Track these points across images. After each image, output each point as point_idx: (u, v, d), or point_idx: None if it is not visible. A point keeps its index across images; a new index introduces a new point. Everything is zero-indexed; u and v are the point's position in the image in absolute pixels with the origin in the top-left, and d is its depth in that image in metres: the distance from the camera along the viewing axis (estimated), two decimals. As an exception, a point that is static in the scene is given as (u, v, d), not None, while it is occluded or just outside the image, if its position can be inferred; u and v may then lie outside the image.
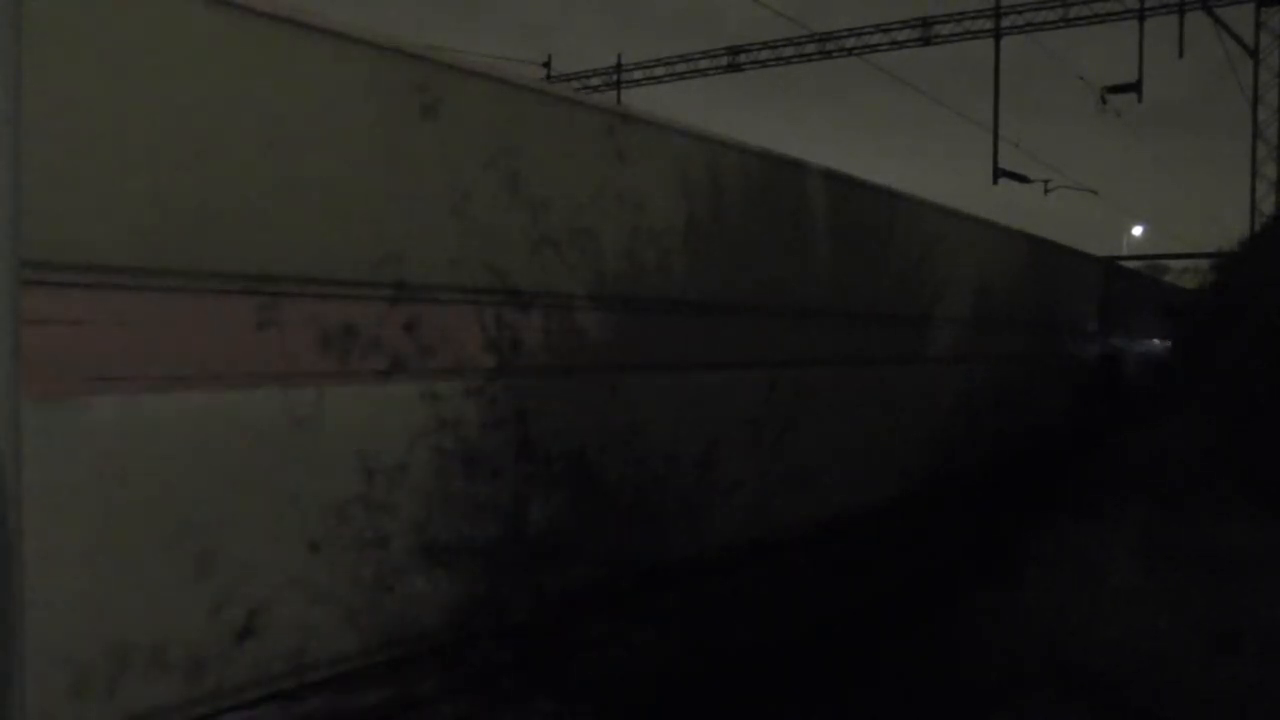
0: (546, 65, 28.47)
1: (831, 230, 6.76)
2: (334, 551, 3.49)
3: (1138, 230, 46.38)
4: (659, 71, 27.66)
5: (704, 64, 26.74)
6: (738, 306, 5.80)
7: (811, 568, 6.48)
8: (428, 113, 3.82)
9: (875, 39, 24.49)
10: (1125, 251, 37.72)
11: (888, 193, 7.62)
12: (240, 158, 3.21)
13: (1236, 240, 16.25)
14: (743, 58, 26.16)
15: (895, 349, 7.80)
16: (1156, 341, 17.27)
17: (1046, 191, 23.56)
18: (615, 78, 28.00)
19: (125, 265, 2.91)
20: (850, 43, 24.80)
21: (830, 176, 6.77)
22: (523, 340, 4.26)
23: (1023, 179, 22.22)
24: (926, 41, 24.18)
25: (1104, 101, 21.61)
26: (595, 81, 28.31)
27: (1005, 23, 22.69)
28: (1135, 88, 20.74)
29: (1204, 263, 22.15)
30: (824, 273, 6.72)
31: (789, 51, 25.52)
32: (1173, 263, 35.50)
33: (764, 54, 25.85)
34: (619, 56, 28.10)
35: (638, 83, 27.86)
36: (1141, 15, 21.21)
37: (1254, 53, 22.48)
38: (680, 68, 27.20)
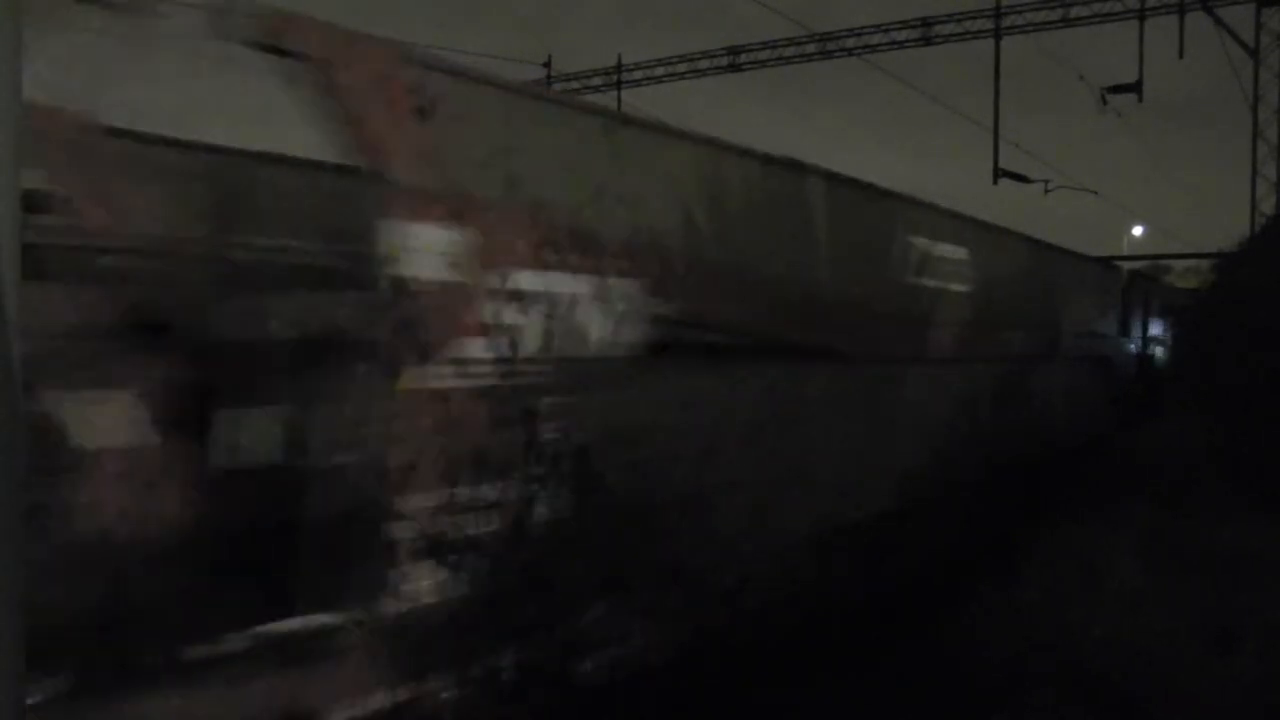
0: (546, 65, 28.47)
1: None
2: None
3: (1138, 230, 46.36)
4: (659, 71, 27.67)
5: (704, 64, 26.75)
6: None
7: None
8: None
9: (875, 39, 24.49)
10: (1125, 251, 37.73)
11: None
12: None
13: (1236, 240, 16.23)
14: (743, 57, 26.16)
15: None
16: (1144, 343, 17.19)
17: (1046, 191, 23.55)
18: (616, 78, 27.99)
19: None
20: (850, 42, 24.80)
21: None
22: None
23: (1023, 179, 22.22)
24: (927, 41, 24.18)
25: (1104, 101, 21.61)
26: (596, 81, 28.32)
27: (1005, 23, 22.69)
28: (1135, 88, 20.74)
29: (1204, 263, 22.15)
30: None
31: (789, 51, 25.51)
32: (1174, 263, 35.53)
33: (764, 54, 25.85)
34: (619, 57, 28.13)
35: (638, 83, 27.86)
36: (1141, 15, 21.21)
37: (1254, 53, 22.46)
38: (680, 68, 27.21)
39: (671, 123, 5.49)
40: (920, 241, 7.39)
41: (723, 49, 26.42)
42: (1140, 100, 20.88)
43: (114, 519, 2.82)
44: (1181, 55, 20.83)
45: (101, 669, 2.60)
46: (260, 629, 2.92)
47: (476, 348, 3.48)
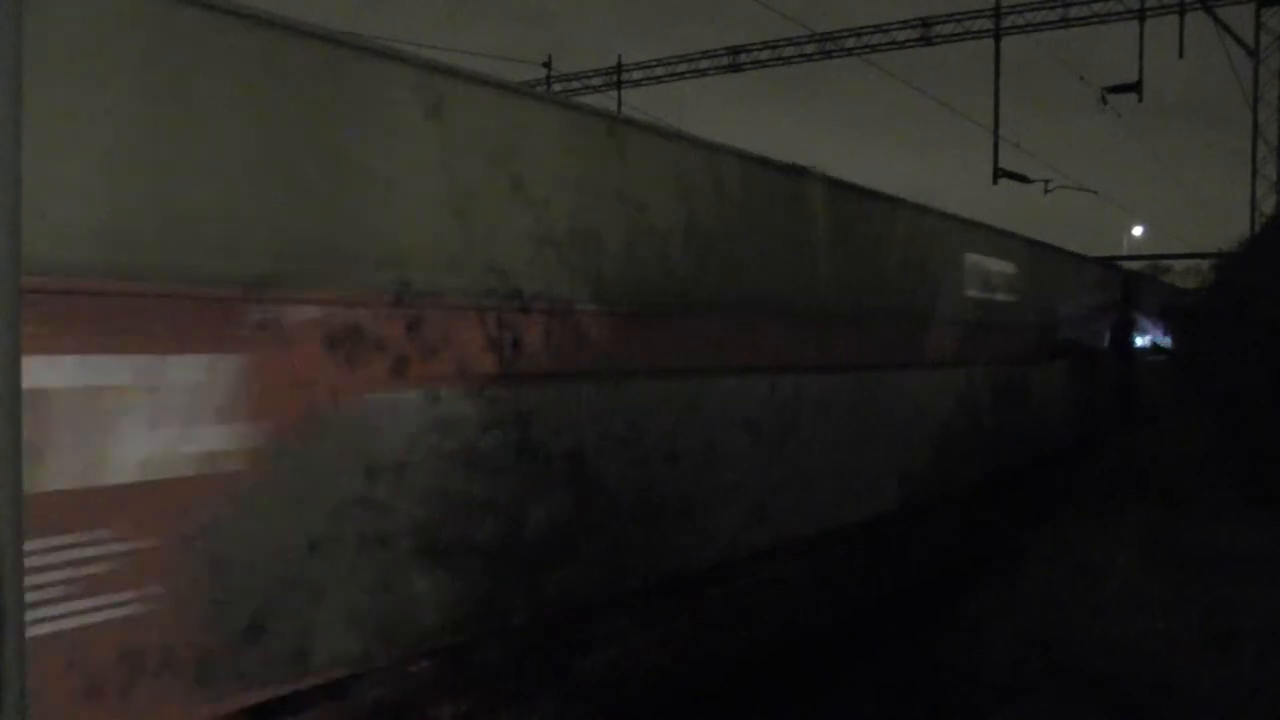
0: (547, 65, 28.45)
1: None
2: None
3: (1138, 230, 46.36)
4: (659, 71, 27.67)
5: (704, 64, 26.75)
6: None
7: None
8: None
9: (875, 39, 24.50)
10: (1125, 251, 37.71)
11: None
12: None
13: (1236, 240, 16.24)
14: (743, 57, 26.16)
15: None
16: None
17: (1046, 191, 23.53)
18: (616, 78, 27.99)
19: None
20: (850, 43, 24.80)
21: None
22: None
23: (1023, 179, 22.20)
24: (927, 41, 24.17)
25: (1104, 101, 21.60)
26: (596, 81, 28.31)
27: (1005, 23, 22.70)
28: (1135, 88, 20.73)
29: (1204, 263, 22.14)
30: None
31: (789, 51, 25.52)
32: (1174, 263, 35.53)
33: (764, 54, 25.86)
34: (619, 57, 28.13)
35: (638, 83, 27.87)
36: (1141, 15, 21.20)
37: (1254, 53, 22.48)
38: (680, 68, 27.21)
39: (672, 123, 5.49)
40: None
41: (723, 49, 26.44)
42: (1140, 100, 20.88)
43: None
44: (1181, 55, 20.82)
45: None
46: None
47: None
